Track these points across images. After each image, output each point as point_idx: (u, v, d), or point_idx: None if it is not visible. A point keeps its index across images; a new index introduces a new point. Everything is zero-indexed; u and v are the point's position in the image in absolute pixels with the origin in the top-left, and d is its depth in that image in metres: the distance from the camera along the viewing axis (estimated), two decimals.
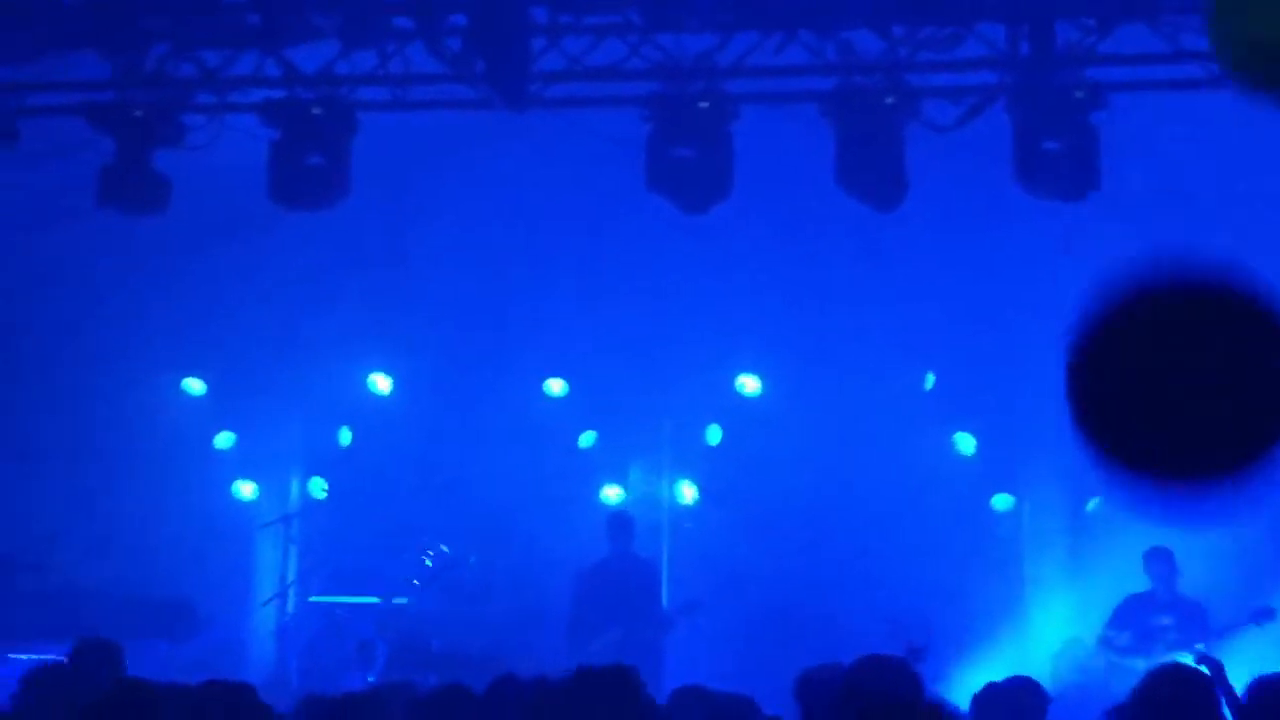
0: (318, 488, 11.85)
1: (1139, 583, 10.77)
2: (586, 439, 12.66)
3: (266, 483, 12.44)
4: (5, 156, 8.95)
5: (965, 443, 12.36)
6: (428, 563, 11.30)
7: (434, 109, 9.51)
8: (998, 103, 9.38)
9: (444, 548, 11.12)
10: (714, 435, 12.51)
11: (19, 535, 10.83)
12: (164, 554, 11.33)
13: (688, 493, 12.61)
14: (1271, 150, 9.77)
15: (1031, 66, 9.36)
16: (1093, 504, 11.81)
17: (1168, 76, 9.35)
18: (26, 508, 11.03)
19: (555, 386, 12.61)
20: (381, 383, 12.60)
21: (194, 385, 12.47)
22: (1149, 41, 9.26)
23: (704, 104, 9.35)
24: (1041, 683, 6.35)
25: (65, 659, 7.11)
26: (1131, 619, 10.66)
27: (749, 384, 12.49)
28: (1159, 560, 10.63)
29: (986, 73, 9.45)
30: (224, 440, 12.50)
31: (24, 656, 9.35)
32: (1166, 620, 10.50)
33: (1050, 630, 11.69)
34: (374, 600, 11.45)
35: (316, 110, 9.05)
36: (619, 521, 11.37)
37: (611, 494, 12.55)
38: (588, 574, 11.11)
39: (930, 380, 12.32)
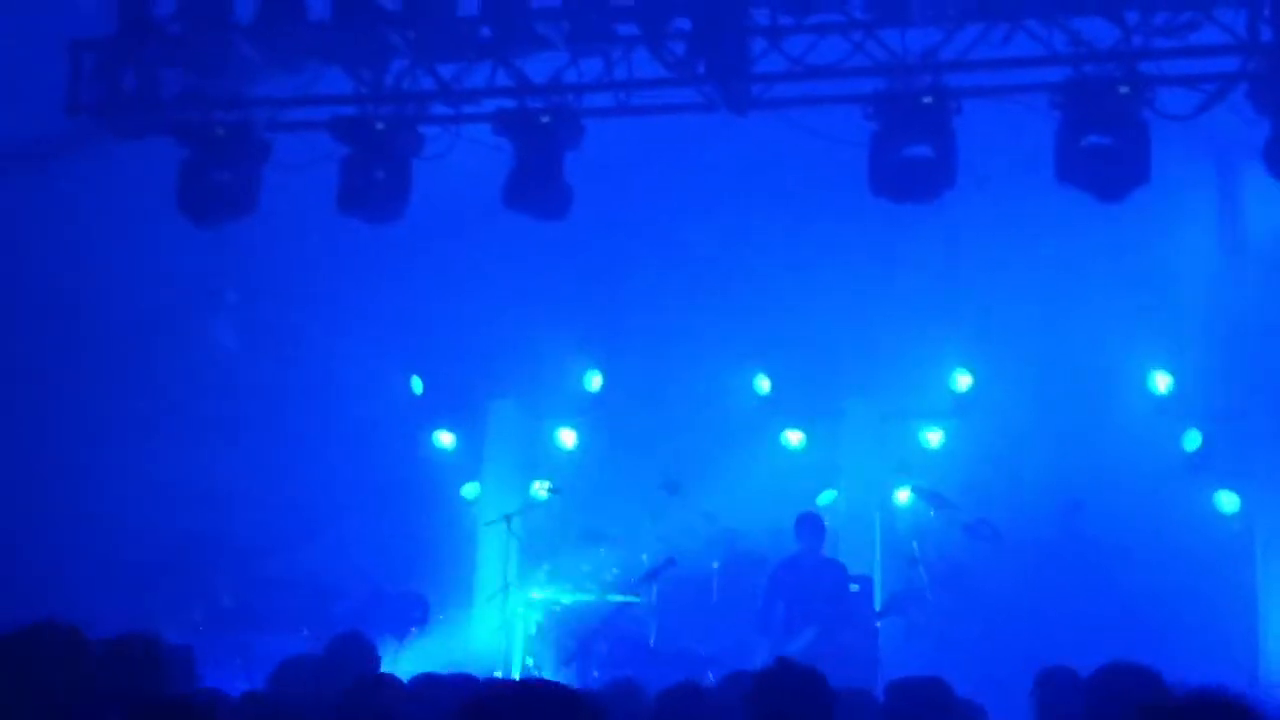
0: (542, 488, 12.13)
1: None
2: (795, 441, 12.68)
3: (490, 482, 12.81)
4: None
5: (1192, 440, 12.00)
6: (644, 559, 11.44)
7: (658, 114, 9.59)
8: (1238, 89, 9.03)
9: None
10: (928, 437, 12.40)
11: (270, 528, 11.42)
12: (395, 550, 11.79)
13: (901, 496, 12.50)
14: None
15: (1272, 52, 8.97)
16: None
17: None
18: (278, 502, 11.62)
19: (764, 385, 12.66)
20: (597, 381, 12.85)
21: (417, 385, 12.94)
22: None
23: (928, 99, 9.24)
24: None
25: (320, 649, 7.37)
26: None
27: (963, 381, 12.32)
28: None
29: (1227, 59, 9.10)
30: (446, 441, 12.93)
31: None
32: None
33: None
34: (593, 597, 11.66)
35: (545, 118, 9.23)
36: (809, 522, 11.36)
37: (824, 496, 12.53)
38: (777, 573, 11.12)
39: (1153, 379, 11.98)
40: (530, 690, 3.12)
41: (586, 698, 3.14)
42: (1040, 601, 11.02)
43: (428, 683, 6.02)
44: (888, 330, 11.91)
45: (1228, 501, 12.01)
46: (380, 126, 9.17)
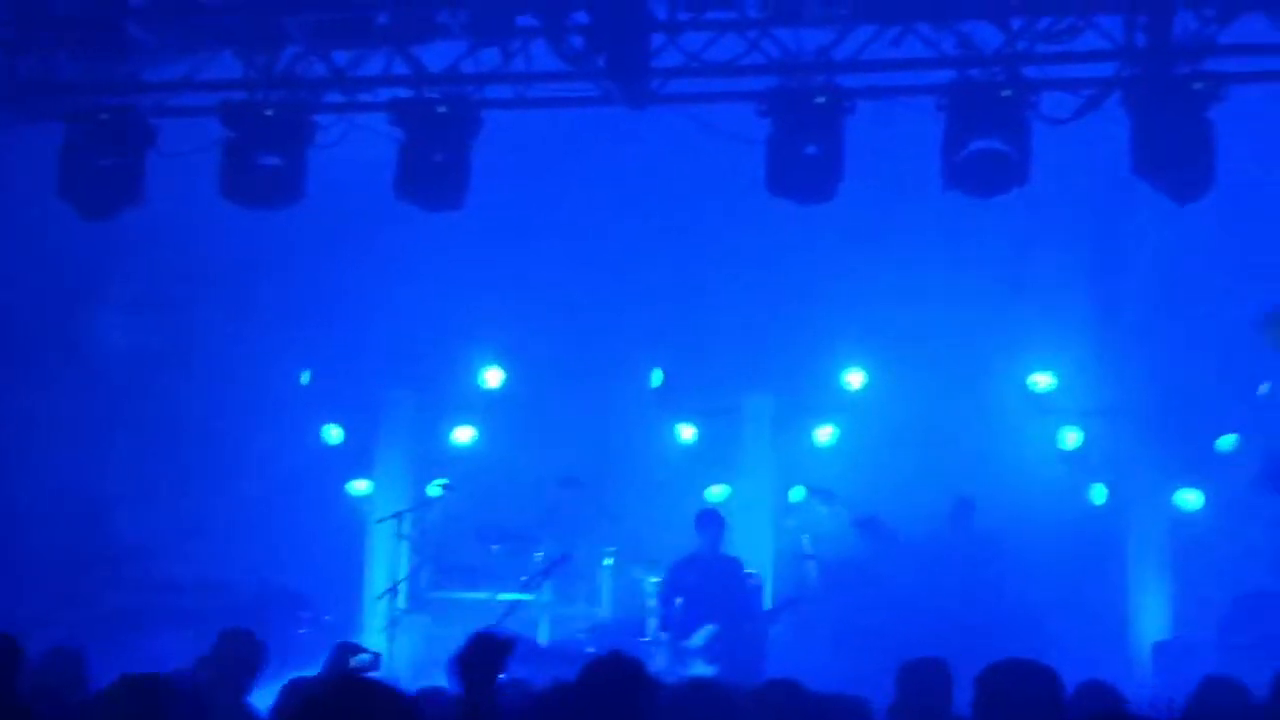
0: (435, 486, 12.02)
1: None
2: (684, 435, 12.78)
3: (381, 479, 12.66)
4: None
5: (1068, 438, 12.38)
6: (538, 557, 11.40)
7: (557, 107, 9.60)
8: (1114, 95, 9.36)
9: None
10: (822, 435, 12.59)
11: (158, 526, 11.12)
12: (282, 548, 11.56)
13: (794, 492, 12.66)
14: None
15: (1148, 57, 9.33)
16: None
17: None
18: (160, 500, 11.32)
19: (660, 380, 12.73)
20: (493, 377, 12.77)
21: (304, 379, 12.73)
22: (1268, 33, 9.20)
23: (821, 99, 9.41)
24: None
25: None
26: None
27: (855, 379, 12.53)
28: None
29: (1104, 64, 9.43)
30: (335, 436, 12.74)
31: None
32: None
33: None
34: (485, 596, 11.58)
35: (442, 109, 9.19)
36: (709, 518, 11.45)
37: (716, 491, 12.63)
38: (676, 570, 11.19)
39: (1035, 379, 12.34)
40: (348, 690, 3.14)
41: (404, 699, 3.17)
42: (929, 596, 11.24)
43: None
44: (783, 327, 12.08)
45: (1100, 495, 12.42)
46: (270, 113, 9.01)
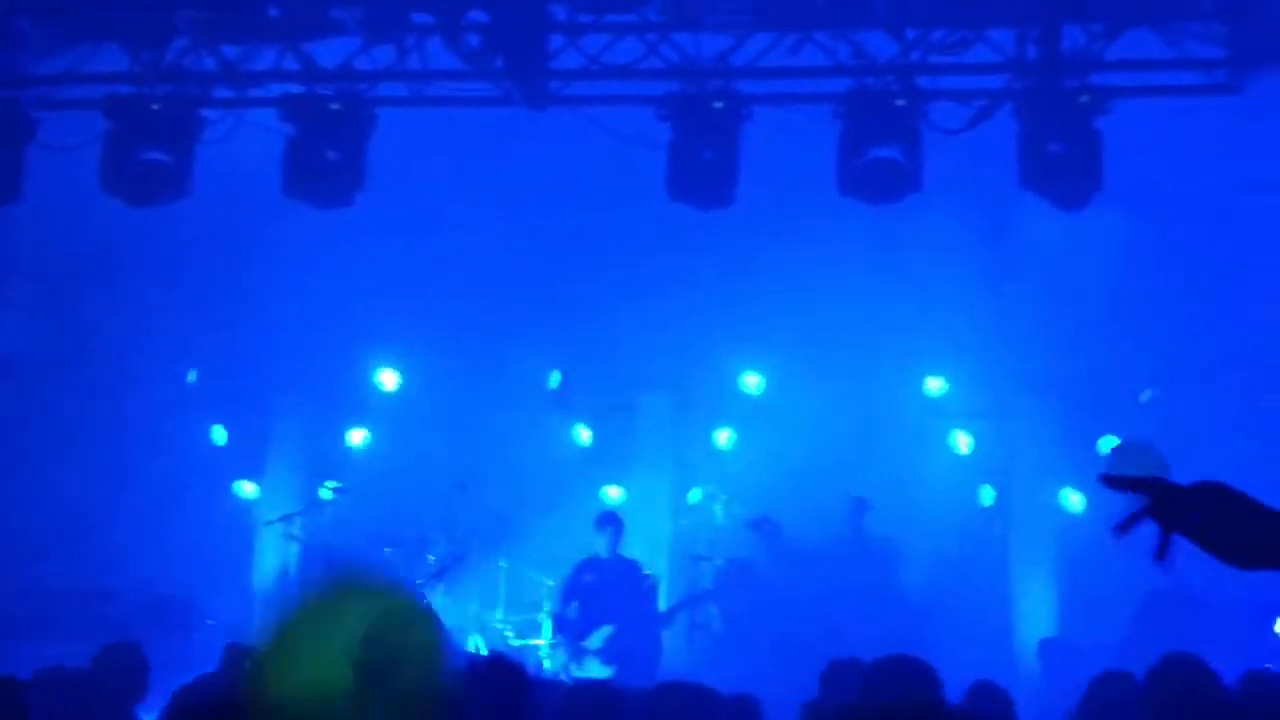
0: (326, 488, 11.81)
1: None
2: (581, 436, 12.75)
3: (269, 481, 12.42)
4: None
5: (960, 440, 12.60)
6: (431, 560, 11.28)
7: (453, 105, 9.49)
8: (1005, 107, 9.54)
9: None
10: (720, 436, 12.66)
11: (42, 530, 10.77)
12: (171, 552, 11.29)
13: (691, 493, 12.71)
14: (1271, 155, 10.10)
15: (1038, 71, 9.53)
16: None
17: (1173, 83, 9.55)
18: (50, 503, 10.97)
19: (556, 381, 12.68)
20: (388, 379, 12.60)
21: (192, 378, 12.45)
22: (1155, 48, 9.46)
23: (719, 105, 9.44)
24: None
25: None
26: None
27: (752, 382, 12.62)
28: None
29: (995, 77, 9.61)
30: (220, 437, 12.47)
31: None
32: None
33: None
34: None
35: (335, 106, 9.03)
36: (607, 520, 11.46)
37: (613, 493, 12.63)
38: (574, 573, 11.18)
39: (928, 384, 12.54)
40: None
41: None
42: (822, 596, 11.36)
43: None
44: (681, 329, 12.09)
45: (989, 497, 12.66)
46: (156, 107, 8.77)
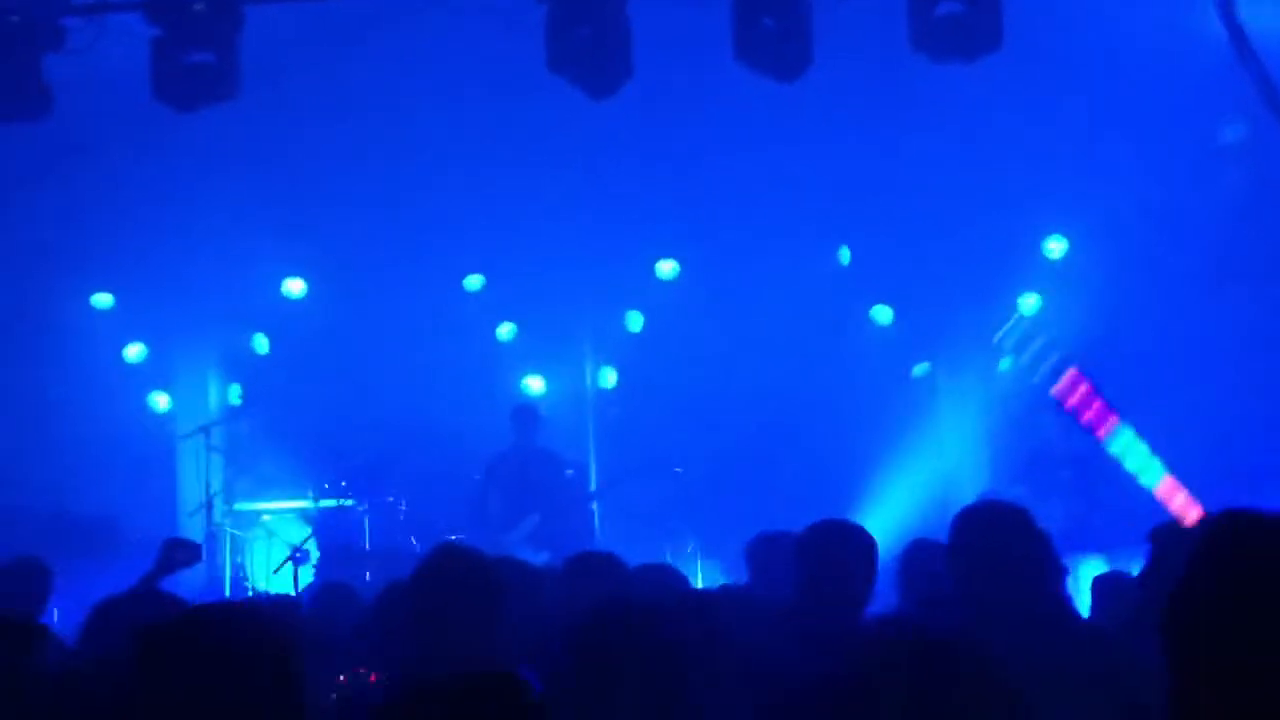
0: (234, 395, 11.72)
1: None
2: (506, 332, 12.65)
3: (182, 393, 12.32)
4: None
5: (883, 314, 12.53)
6: (355, 463, 11.28)
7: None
8: None
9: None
10: (635, 322, 12.57)
11: None
12: (85, 471, 11.22)
13: (610, 379, 12.68)
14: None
15: None
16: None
17: None
18: None
19: (473, 281, 12.54)
20: (294, 286, 12.44)
21: (102, 299, 12.25)
22: None
23: None
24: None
25: None
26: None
27: (666, 268, 12.51)
28: None
29: None
30: (137, 353, 12.34)
31: None
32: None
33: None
34: (302, 504, 11.42)
35: (200, 6, 8.72)
36: (524, 412, 11.44)
37: (534, 384, 12.59)
38: (493, 466, 11.19)
39: (845, 255, 12.43)
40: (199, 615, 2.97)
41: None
42: (744, 474, 11.46)
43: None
44: (593, 221, 11.92)
45: (920, 369, 12.64)
46: (15, 19, 8.46)
